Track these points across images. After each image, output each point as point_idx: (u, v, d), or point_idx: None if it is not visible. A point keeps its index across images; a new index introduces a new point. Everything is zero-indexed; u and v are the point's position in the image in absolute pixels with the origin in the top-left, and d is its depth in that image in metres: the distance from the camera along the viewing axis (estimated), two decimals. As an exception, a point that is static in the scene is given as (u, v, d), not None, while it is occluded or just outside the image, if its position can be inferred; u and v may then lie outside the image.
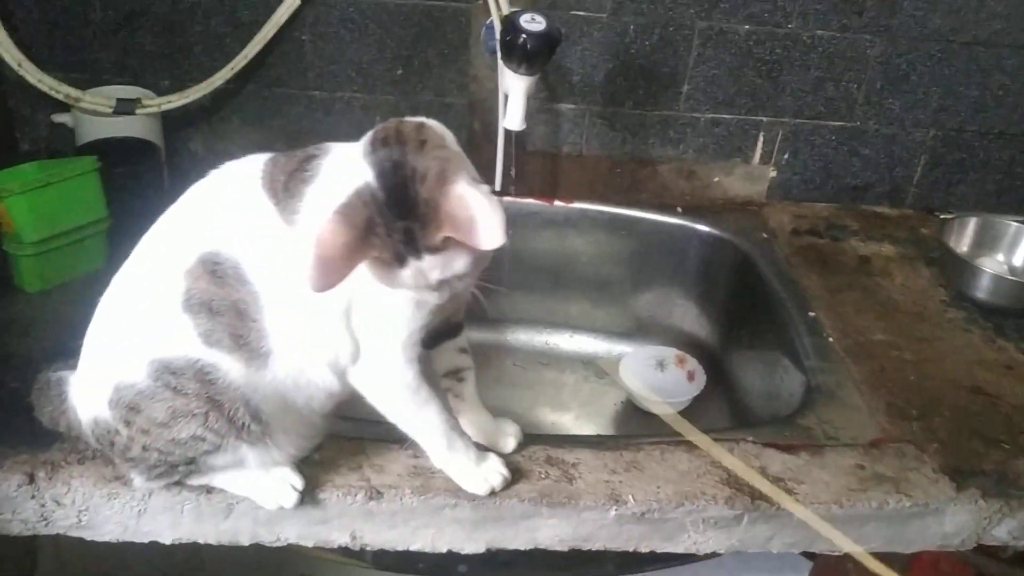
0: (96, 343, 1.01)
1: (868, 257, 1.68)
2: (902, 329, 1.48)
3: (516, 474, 1.11)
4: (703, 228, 1.75)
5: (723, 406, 1.69)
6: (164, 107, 1.56)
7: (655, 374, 1.72)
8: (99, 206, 1.38)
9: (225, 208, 0.96)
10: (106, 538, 1.09)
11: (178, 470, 1.01)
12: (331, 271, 0.84)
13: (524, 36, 1.32)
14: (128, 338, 0.98)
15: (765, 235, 1.73)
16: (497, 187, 1.66)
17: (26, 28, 1.58)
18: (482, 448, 1.11)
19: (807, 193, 1.83)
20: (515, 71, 1.38)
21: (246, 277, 0.94)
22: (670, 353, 1.74)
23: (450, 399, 1.12)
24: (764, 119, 1.75)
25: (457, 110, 1.70)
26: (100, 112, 1.53)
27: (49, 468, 1.07)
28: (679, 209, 1.78)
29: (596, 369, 1.80)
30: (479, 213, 0.84)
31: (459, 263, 0.89)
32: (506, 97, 1.45)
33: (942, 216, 1.80)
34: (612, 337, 1.85)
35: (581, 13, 1.62)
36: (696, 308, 1.80)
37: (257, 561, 1.50)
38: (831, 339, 1.44)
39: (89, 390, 1.01)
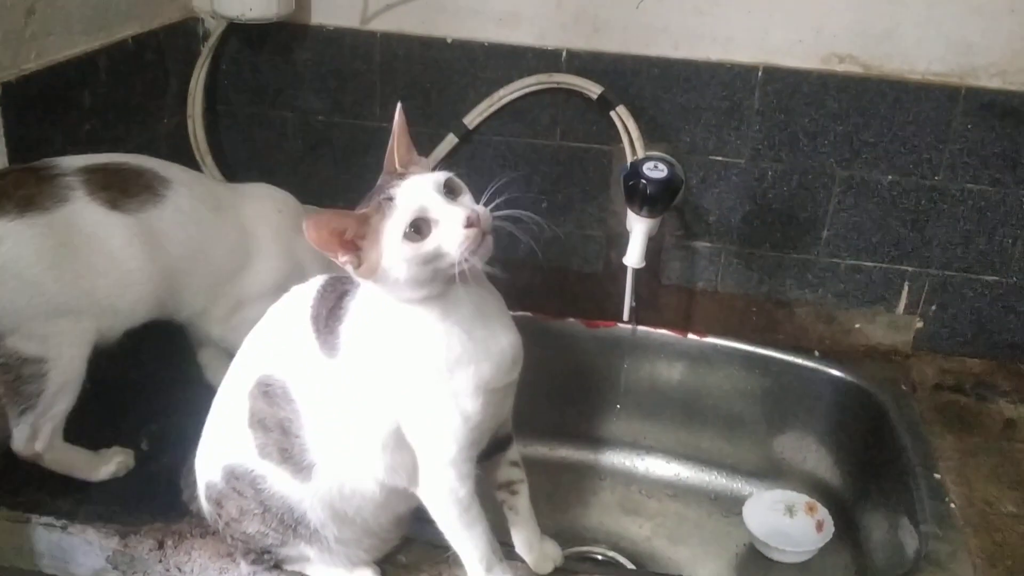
0: (203, 442, 1.17)
1: (1015, 420, 1.58)
2: (1038, 503, 1.38)
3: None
4: (838, 374, 1.72)
5: (848, 561, 1.62)
6: (334, 226, 1.77)
7: (782, 519, 1.68)
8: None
9: (280, 333, 1.09)
10: (217, 608, 1.23)
11: (264, 558, 1.14)
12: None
13: (644, 182, 1.40)
14: (214, 443, 1.13)
15: (905, 387, 1.67)
16: (625, 316, 1.72)
17: (233, 154, 1.86)
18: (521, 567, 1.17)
19: (958, 347, 1.75)
20: (637, 213, 1.46)
21: (291, 396, 1.05)
22: (800, 499, 1.70)
23: (505, 511, 1.17)
24: (909, 269, 1.71)
25: (596, 241, 1.80)
26: (279, 228, 1.76)
27: (176, 537, 1.22)
28: (816, 353, 1.76)
29: (722, 507, 1.78)
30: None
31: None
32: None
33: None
34: (742, 476, 1.82)
35: (719, 158, 1.69)
36: (830, 456, 1.75)
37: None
38: (953, 505, 1.37)
39: (198, 482, 1.17)
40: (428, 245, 0.91)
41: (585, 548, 1.67)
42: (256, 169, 1.86)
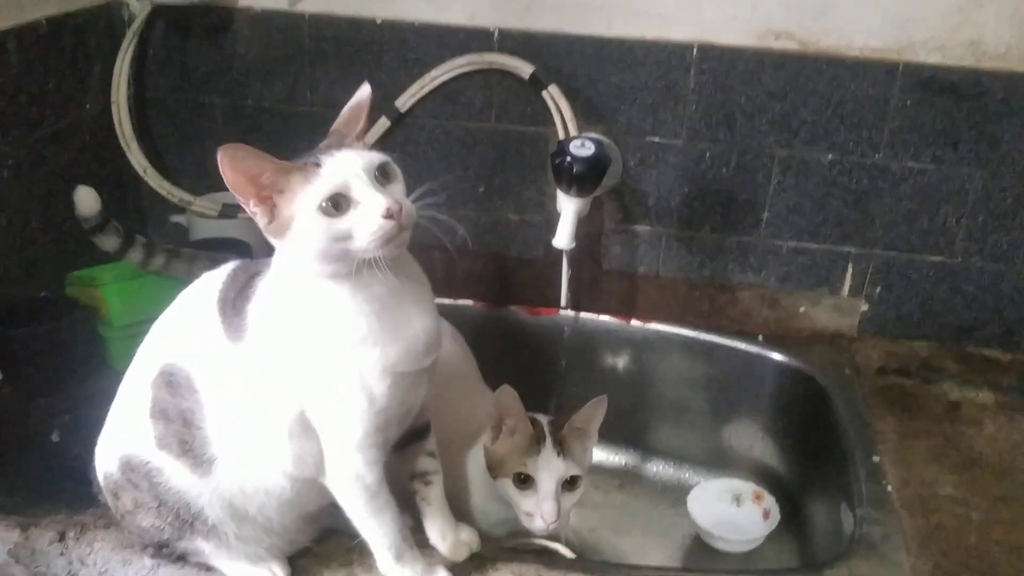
0: (104, 431, 1.12)
1: (958, 403, 1.55)
2: (976, 485, 1.35)
3: (501, 590, 1.10)
4: (781, 358, 1.69)
5: (793, 548, 1.60)
6: (264, 213, 1.73)
7: (729, 509, 1.66)
8: (185, 298, 1.52)
9: (186, 321, 1.04)
10: (122, 602, 1.18)
11: (163, 552, 1.09)
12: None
13: (570, 160, 1.36)
14: (113, 433, 1.09)
15: (849, 371, 1.64)
16: (563, 302, 1.68)
17: (162, 141, 1.82)
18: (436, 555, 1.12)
19: (904, 330, 1.72)
20: (566, 193, 1.43)
21: (195, 385, 1.01)
22: (747, 488, 1.67)
23: (417, 501, 1.12)
24: (853, 250, 1.68)
25: (535, 226, 1.76)
26: (207, 215, 1.72)
27: (79, 529, 1.17)
28: (760, 337, 1.73)
29: (668, 497, 1.75)
30: None
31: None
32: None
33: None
34: (689, 464, 1.80)
35: (656, 139, 1.65)
36: (775, 442, 1.72)
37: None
38: (889, 487, 1.34)
39: (98, 472, 1.13)
40: (340, 224, 0.88)
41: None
42: (186, 157, 1.82)
